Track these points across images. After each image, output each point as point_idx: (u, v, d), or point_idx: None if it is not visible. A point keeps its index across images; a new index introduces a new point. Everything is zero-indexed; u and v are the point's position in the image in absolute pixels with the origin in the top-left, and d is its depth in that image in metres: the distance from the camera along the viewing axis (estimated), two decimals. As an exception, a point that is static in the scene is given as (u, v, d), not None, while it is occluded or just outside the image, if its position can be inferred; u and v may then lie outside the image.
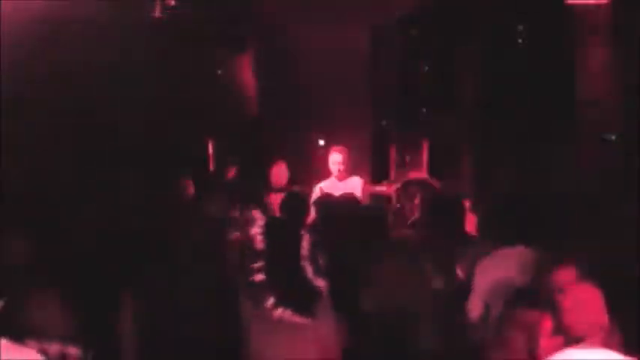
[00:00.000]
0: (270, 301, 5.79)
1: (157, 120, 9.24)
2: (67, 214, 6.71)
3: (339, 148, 9.17)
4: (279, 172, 8.98)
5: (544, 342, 4.50)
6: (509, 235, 5.83)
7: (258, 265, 5.98)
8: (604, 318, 4.22)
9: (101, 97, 8.62)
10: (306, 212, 7.17)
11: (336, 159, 9.04)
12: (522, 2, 9.33)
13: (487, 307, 5.61)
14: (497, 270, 5.65)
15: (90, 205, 6.88)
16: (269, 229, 6.09)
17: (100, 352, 4.81)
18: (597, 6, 8.76)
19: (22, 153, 7.80)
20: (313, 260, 6.05)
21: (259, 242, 6.07)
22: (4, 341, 4.27)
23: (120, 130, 8.82)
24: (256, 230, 6.15)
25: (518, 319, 4.80)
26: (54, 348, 4.43)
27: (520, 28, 9.61)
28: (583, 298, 4.22)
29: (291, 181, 9.06)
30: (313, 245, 6.12)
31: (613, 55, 8.82)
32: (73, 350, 4.53)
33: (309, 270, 5.99)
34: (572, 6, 8.84)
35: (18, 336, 4.32)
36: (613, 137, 9.25)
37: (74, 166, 8.16)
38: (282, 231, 6.17)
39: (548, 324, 4.50)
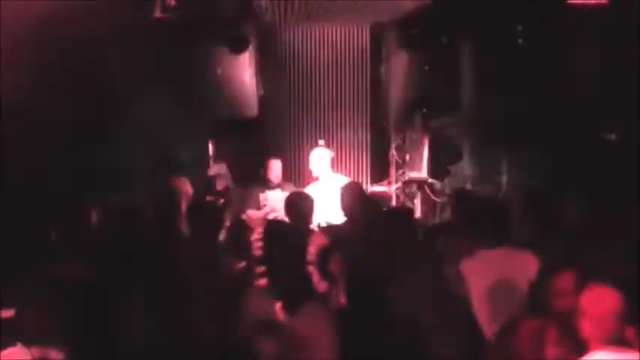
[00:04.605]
0: (277, 305, 5.79)
1: (156, 120, 9.25)
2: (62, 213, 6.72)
3: (321, 145, 8.99)
4: (275, 170, 9.06)
5: (550, 350, 4.46)
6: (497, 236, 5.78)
7: (259, 269, 5.97)
8: (619, 321, 4.06)
9: (100, 96, 8.64)
10: (312, 211, 7.00)
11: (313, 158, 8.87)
12: (522, 2, 9.33)
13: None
14: (484, 271, 5.63)
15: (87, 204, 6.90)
16: (271, 235, 6.05)
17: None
18: (597, 6, 8.75)
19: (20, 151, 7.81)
20: (320, 265, 6.00)
21: (257, 249, 6.04)
22: (18, 346, 4.27)
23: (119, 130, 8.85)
24: (255, 237, 6.13)
25: (522, 328, 4.72)
26: (34, 352, 4.39)
27: (520, 28, 9.60)
28: (597, 303, 4.07)
29: (287, 179, 9.14)
30: (323, 250, 6.04)
31: (612, 54, 8.81)
32: (54, 354, 4.47)
33: (314, 275, 5.93)
34: (572, 6, 8.83)
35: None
36: (613, 137, 9.24)
37: (72, 166, 8.17)
38: (285, 236, 6.12)
39: (553, 332, 4.47)
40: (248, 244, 7.31)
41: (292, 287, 5.67)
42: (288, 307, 5.67)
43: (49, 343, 4.46)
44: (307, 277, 5.93)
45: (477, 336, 5.42)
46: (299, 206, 6.73)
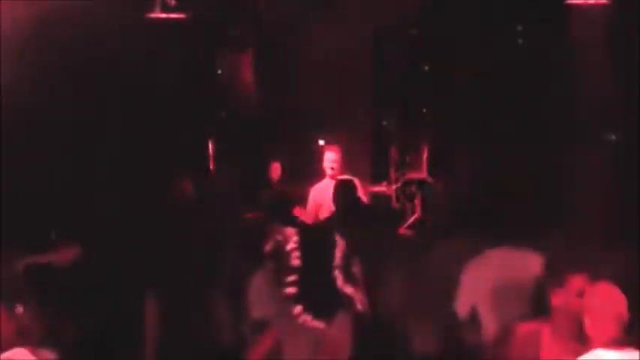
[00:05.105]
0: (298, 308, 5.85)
1: (157, 120, 9.25)
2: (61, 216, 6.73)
3: (332, 147, 9.12)
4: (275, 172, 9.18)
5: (544, 354, 4.45)
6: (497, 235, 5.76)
7: (291, 278, 6.01)
8: (621, 320, 4.03)
9: (100, 97, 8.64)
10: (291, 209, 7.03)
11: (328, 157, 9.00)
12: (522, 2, 9.34)
13: (474, 308, 5.59)
14: (488, 271, 5.61)
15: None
16: (304, 240, 6.08)
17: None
18: (597, 6, 8.75)
19: (20, 152, 7.81)
20: (344, 268, 6.04)
21: (295, 259, 6.07)
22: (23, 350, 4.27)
23: (120, 130, 8.85)
24: (292, 246, 6.14)
25: (518, 333, 4.70)
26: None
27: (520, 28, 9.61)
28: (603, 301, 4.05)
29: (284, 179, 9.23)
30: (346, 254, 6.09)
31: (613, 54, 8.82)
32: (48, 354, 4.46)
33: (339, 278, 5.99)
34: (572, 6, 8.84)
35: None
36: (613, 137, 9.24)
37: (73, 166, 8.17)
38: (317, 240, 6.15)
39: (546, 334, 4.46)
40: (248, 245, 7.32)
41: (325, 296, 5.73)
42: (322, 316, 5.73)
43: (44, 344, 4.47)
44: (337, 285, 5.99)
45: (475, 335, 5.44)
46: (276, 204, 6.79)
